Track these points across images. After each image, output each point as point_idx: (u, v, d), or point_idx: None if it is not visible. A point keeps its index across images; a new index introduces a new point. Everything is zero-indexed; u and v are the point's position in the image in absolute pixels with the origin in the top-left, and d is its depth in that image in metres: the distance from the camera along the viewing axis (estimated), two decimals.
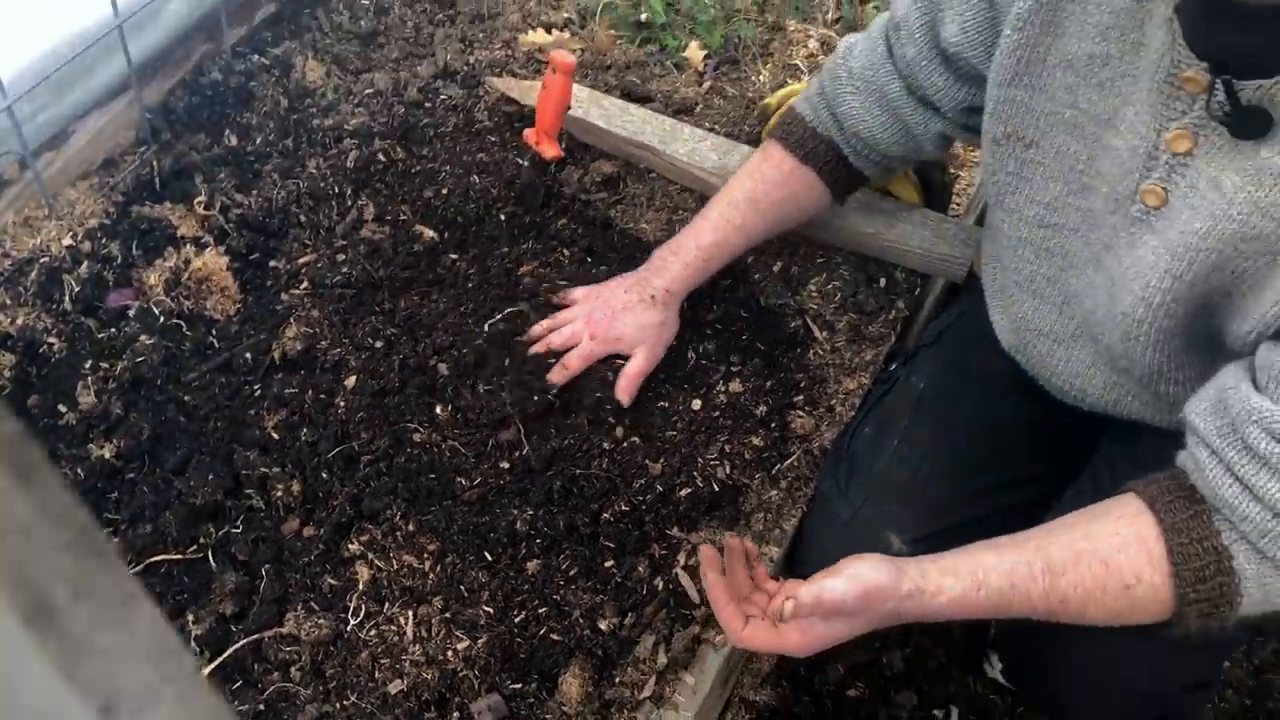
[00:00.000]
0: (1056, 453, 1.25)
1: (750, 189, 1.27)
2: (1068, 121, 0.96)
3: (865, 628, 0.92)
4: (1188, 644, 0.92)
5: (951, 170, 1.62)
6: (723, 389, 1.33)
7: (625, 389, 1.25)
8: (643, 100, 1.64)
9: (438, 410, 1.28)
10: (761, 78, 1.77)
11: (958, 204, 1.62)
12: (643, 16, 1.80)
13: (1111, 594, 0.86)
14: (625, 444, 1.26)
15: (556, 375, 1.25)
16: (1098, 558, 0.87)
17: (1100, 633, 0.96)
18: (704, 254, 1.27)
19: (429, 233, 1.47)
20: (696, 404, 1.31)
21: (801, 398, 1.35)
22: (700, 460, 1.27)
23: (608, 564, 1.19)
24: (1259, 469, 0.82)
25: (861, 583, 0.88)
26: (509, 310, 1.35)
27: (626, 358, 1.27)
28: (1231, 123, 0.81)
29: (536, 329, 1.30)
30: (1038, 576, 0.88)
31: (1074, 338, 1.11)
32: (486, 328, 1.34)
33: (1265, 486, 0.82)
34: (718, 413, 1.31)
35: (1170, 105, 0.86)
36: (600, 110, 1.56)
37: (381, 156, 1.54)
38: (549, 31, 1.74)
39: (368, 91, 1.65)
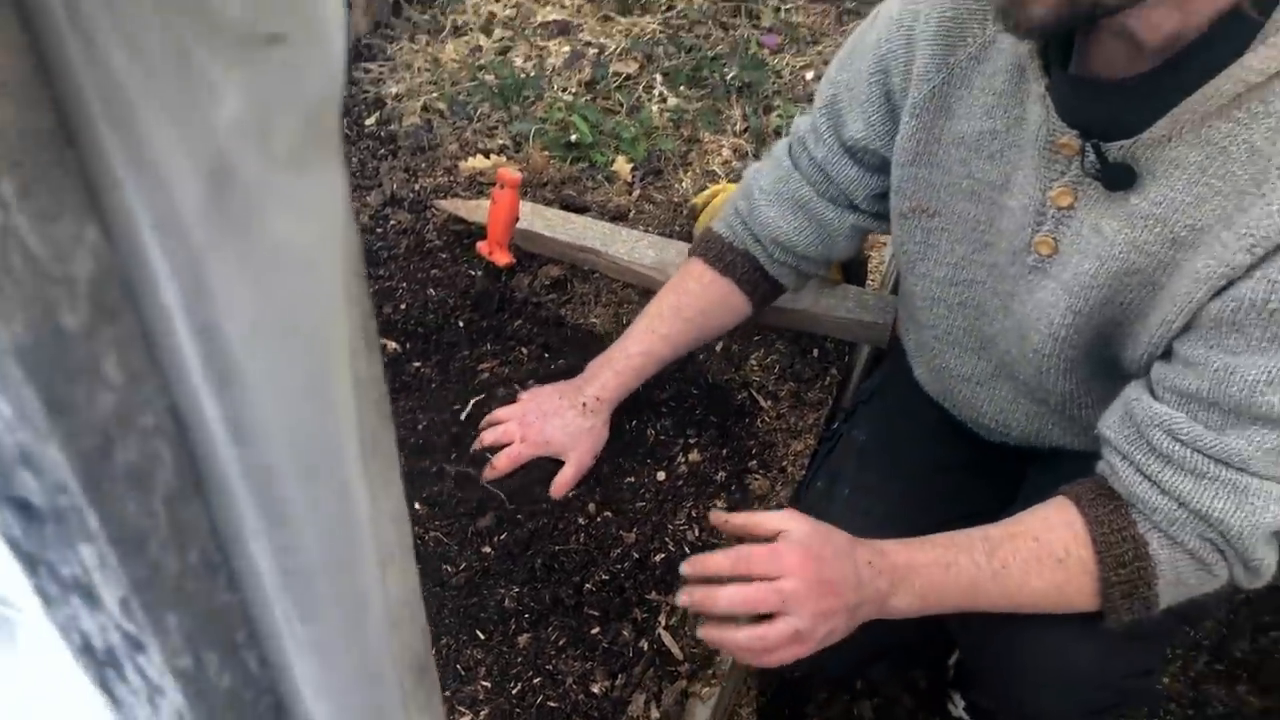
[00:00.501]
0: (994, 487, 1.37)
1: (674, 301, 1.37)
2: (966, 190, 1.11)
3: (851, 596, 0.97)
4: (1129, 634, 1.03)
5: (864, 251, 1.78)
6: (683, 460, 1.44)
7: (557, 494, 1.34)
8: (581, 210, 1.79)
9: (417, 506, 1.35)
10: (684, 183, 1.93)
11: (873, 279, 1.79)
12: (572, 138, 1.97)
13: (1048, 566, 0.98)
14: (599, 519, 1.35)
15: (487, 473, 1.33)
16: (1030, 535, 0.99)
17: (1051, 634, 1.06)
18: (633, 363, 1.35)
19: (392, 345, 1.56)
20: (661, 475, 1.41)
21: (755, 462, 1.46)
22: (670, 526, 1.36)
23: (594, 631, 1.26)
24: (1164, 466, 0.95)
25: (796, 514, 1.00)
26: (473, 402, 1.45)
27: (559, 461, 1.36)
28: (1103, 178, 0.96)
29: (482, 426, 1.39)
30: (977, 543, 0.99)
31: (993, 378, 1.24)
32: (452, 421, 1.43)
33: (1170, 480, 0.94)
34: (681, 481, 1.41)
35: (1051, 167, 1.01)
36: (544, 220, 1.70)
37: None
38: (487, 156, 1.89)
39: None
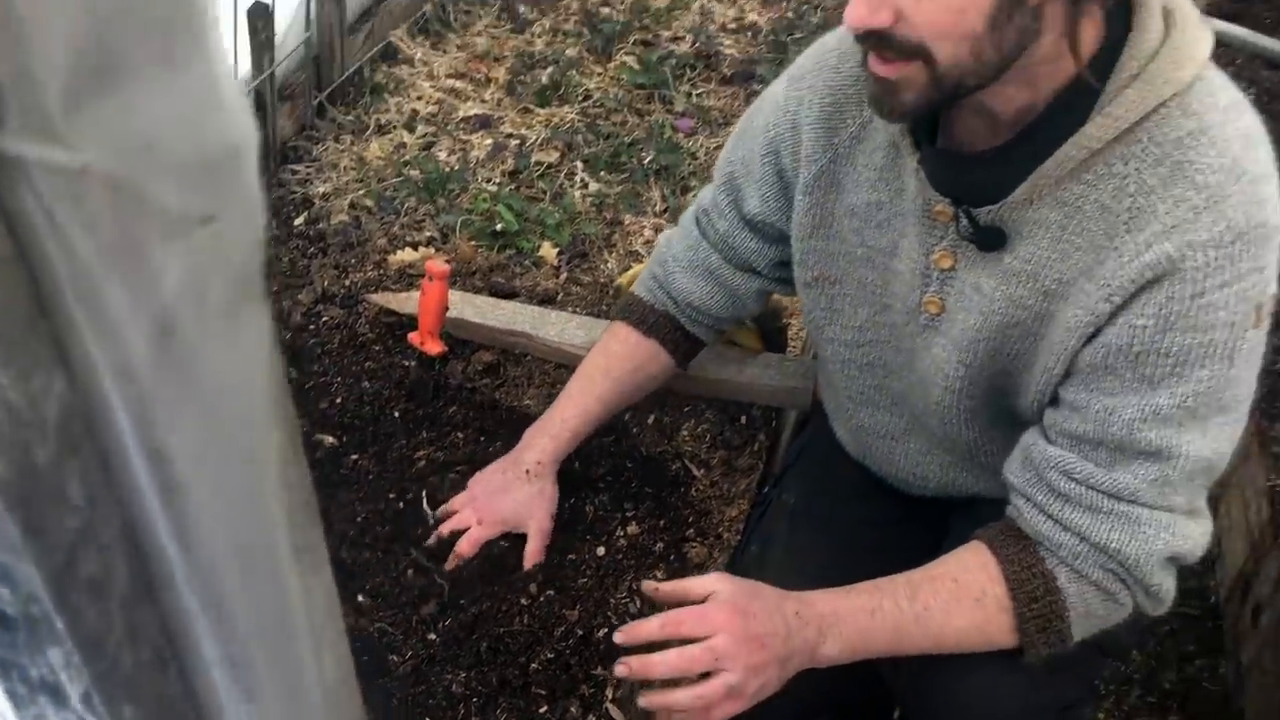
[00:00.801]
0: (919, 539, 1.42)
1: (604, 363, 1.43)
2: (861, 258, 1.19)
3: (781, 648, 1.01)
4: (1051, 668, 1.09)
5: (784, 318, 1.86)
6: (621, 533, 1.47)
7: (530, 565, 1.36)
8: (510, 295, 1.84)
9: (360, 598, 1.36)
10: (609, 264, 2.00)
11: (794, 345, 1.86)
12: (498, 227, 2.03)
13: (967, 605, 1.03)
14: (541, 598, 1.37)
15: (451, 563, 1.36)
16: (949, 577, 1.05)
17: (977, 675, 1.11)
18: (569, 426, 1.40)
19: (329, 439, 1.59)
20: (600, 550, 1.44)
21: (692, 530, 1.50)
22: (612, 601, 1.39)
23: (542, 710, 1.28)
24: (1063, 504, 1.02)
25: (723, 575, 1.05)
26: (411, 494, 1.48)
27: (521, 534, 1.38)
28: (976, 240, 1.04)
29: (440, 515, 1.41)
30: (900, 588, 1.04)
31: (907, 433, 1.31)
32: (391, 511, 1.45)
33: (1070, 517, 1.01)
34: (621, 555, 1.44)
35: (931, 233, 1.09)
36: (474, 308, 1.75)
37: None
38: (415, 249, 1.94)
39: None
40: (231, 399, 0.27)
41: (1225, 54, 2.75)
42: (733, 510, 1.53)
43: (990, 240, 1.03)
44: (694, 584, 1.07)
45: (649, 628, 1.05)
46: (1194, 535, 1.03)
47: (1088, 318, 0.98)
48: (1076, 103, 0.95)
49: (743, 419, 1.66)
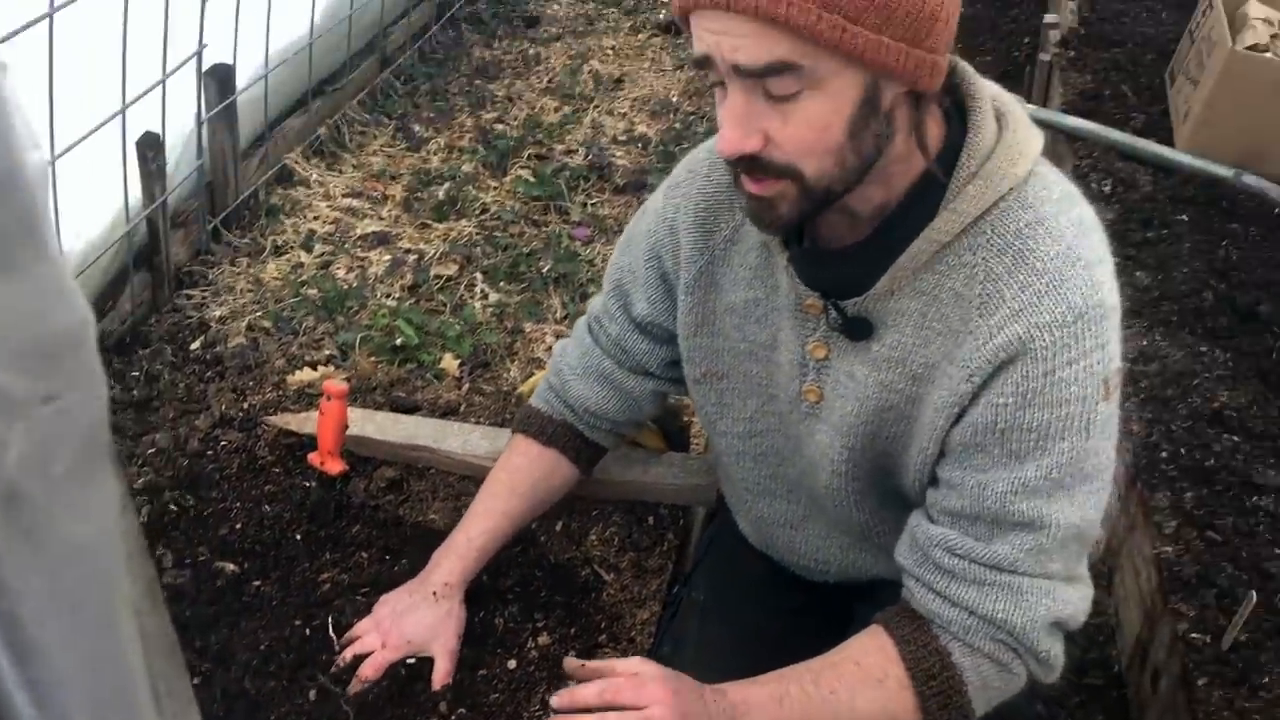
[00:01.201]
0: (826, 626, 1.45)
1: (507, 479, 1.44)
2: (744, 352, 1.24)
3: None
4: None
5: (685, 417, 1.90)
6: (533, 644, 1.46)
7: (438, 687, 1.34)
8: (411, 410, 1.85)
9: None
10: (511, 373, 2.03)
11: (696, 443, 1.90)
12: (398, 342, 2.04)
13: (870, 687, 1.06)
14: (452, 718, 1.35)
15: (354, 688, 1.33)
16: (851, 660, 1.08)
17: None
18: (475, 544, 1.40)
19: (230, 566, 1.55)
20: (512, 664, 1.43)
21: (605, 636, 1.49)
22: (525, 715, 1.37)
23: None
24: (949, 581, 1.06)
25: (646, 659, 1.06)
26: (317, 620, 1.45)
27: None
28: (846, 330, 1.10)
29: (343, 643, 1.39)
30: (805, 674, 1.08)
31: (805, 519, 1.35)
32: (296, 638, 1.42)
33: (957, 593, 1.06)
34: (533, 667, 1.43)
35: (805, 325, 1.15)
36: (374, 425, 1.75)
37: (173, 506, 1.64)
38: (314, 368, 1.93)
39: (150, 451, 1.76)
40: (81, 560, 0.28)
41: (1083, 147, 2.96)
42: (644, 612, 1.54)
43: (858, 330, 1.09)
44: (618, 663, 1.09)
45: (587, 694, 1.06)
46: (1074, 600, 1.08)
47: (953, 398, 1.04)
48: (925, 198, 1.03)
49: (650, 519, 1.68)
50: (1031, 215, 1.01)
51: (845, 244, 1.09)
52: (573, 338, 1.48)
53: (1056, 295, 0.99)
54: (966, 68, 1.06)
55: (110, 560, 0.29)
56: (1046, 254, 1.00)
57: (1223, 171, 2.78)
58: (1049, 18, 3.75)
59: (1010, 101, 1.07)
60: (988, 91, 1.05)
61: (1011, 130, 1.03)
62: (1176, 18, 3.62)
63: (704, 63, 0.94)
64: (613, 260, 1.41)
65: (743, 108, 0.93)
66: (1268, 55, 2.80)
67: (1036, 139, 1.06)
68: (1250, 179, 2.76)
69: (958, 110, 1.04)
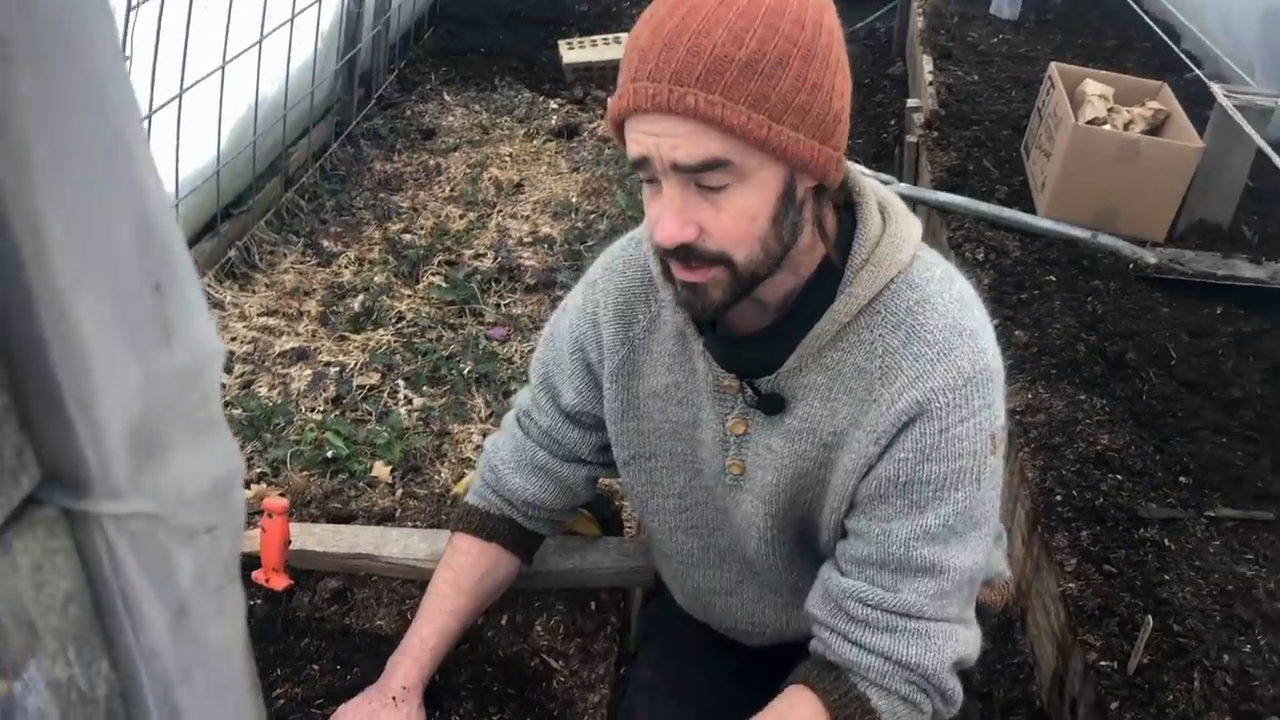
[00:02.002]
0: (768, 689, 1.53)
1: (451, 577, 1.49)
2: (669, 432, 1.34)
3: None
4: None
5: (617, 501, 1.99)
6: None
7: None
8: (348, 519, 1.88)
9: None
10: (443, 474, 2.09)
11: (630, 525, 1.98)
12: (328, 454, 2.08)
13: None
14: None
15: None
16: (776, 716, 1.16)
17: None
18: (428, 645, 1.43)
19: None
20: None
21: None
22: None
23: None
24: (863, 630, 1.17)
25: None
26: None
27: None
28: (761, 406, 1.21)
29: None
30: None
31: (738, 584, 1.44)
32: None
33: (871, 641, 1.16)
34: None
35: (724, 404, 1.26)
36: (314, 537, 1.78)
37: None
38: (248, 487, 1.96)
39: None
40: (229, 656, 0.36)
41: (954, 219, 3.20)
42: (595, 696, 1.60)
43: (772, 406, 1.21)
44: None
45: None
46: (971, 641, 1.20)
47: (861, 460, 1.16)
48: (824, 285, 1.15)
49: (592, 604, 1.74)
50: (919, 294, 1.15)
51: (754, 329, 1.21)
52: (502, 433, 1.55)
53: (947, 362, 1.12)
54: (851, 167, 1.20)
55: (244, 655, 0.37)
56: (935, 327, 1.14)
57: (1081, 233, 3.05)
58: (911, 102, 4.06)
59: (889, 196, 1.22)
60: (870, 187, 1.20)
61: (894, 221, 1.17)
62: (1025, 95, 3.97)
63: (641, 164, 1.04)
64: (537, 356, 1.50)
65: (679, 201, 1.03)
66: (1106, 127, 3.11)
67: (916, 227, 1.20)
68: (1105, 239, 3.03)
69: (846, 205, 1.18)
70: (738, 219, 1.04)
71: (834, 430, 1.18)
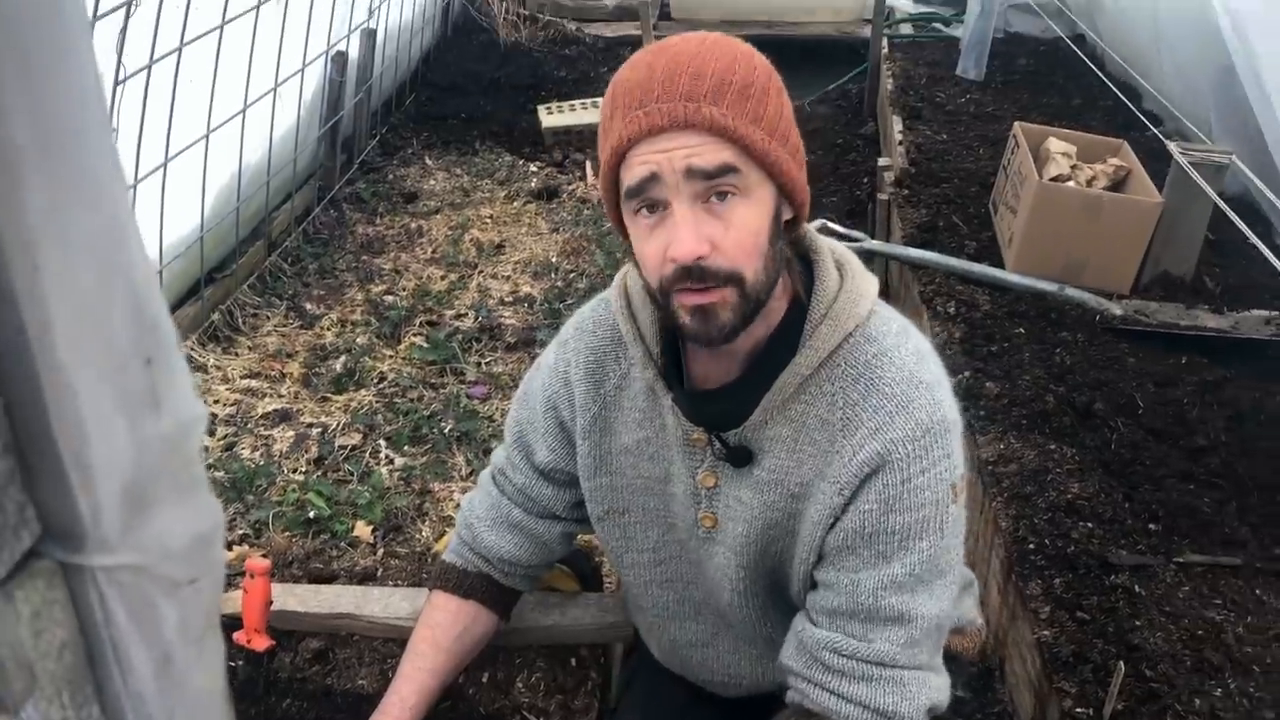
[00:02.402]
0: None
1: (430, 635, 1.50)
2: (641, 488, 1.37)
3: None
4: None
5: (596, 558, 2.01)
6: None
7: None
8: (330, 579, 1.90)
9: None
10: (424, 533, 2.10)
11: (609, 581, 2.00)
12: (310, 514, 2.10)
13: None
14: None
15: None
16: None
17: None
18: (408, 705, 1.44)
19: None
20: None
21: None
22: None
23: None
24: (840, 679, 1.19)
25: None
26: None
27: None
28: (730, 459, 1.25)
29: None
30: None
31: (715, 637, 1.46)
32: None
33: (850, 690, 1.18)
34: None
35: (694, 457, 1.29)
36: (295, 598, 1.79)
37: None
38: (230, 548, 1.97)
39: None
40: (210, 704, 0.39)
41: (925, 274, 3.28)
42: None
43: (741, 458, 1.24)
44: None
45: None
46: (942, 687, 1.23)
47: (826, 511, 1.19)
48: (785, 339, 1.20)
49: (573, 661, 1.76)
50: (876, 348, 1.20)
51: (721, 382, 1.25)
52: (478, 491, 1.58)
53: (906, 414, 1.17)
54: (808, 227, 1.25)
55: (224, 704, 0.40)
56: (893, 379, 1.18)
57: (1048, 287, 3.12)
58: (882, 160, 4.17)
59: (846, 253, 1.27)
60: (827, 245, 1.25)
61: (851, 277, 1.22)
62: (992, 153, 4.08)
63: (649, 183, 1.08)
64: (511, 414, 1.53)
65: (691, 217, 1.08)
66: (1070, 184, 3.20)
67: (873, 283, 1.25)
68: (1072, 291, 3.11)
69: (804, 263, 1.23)
70: (743, 232, 1.09)
71: (800, 481, 1.22)
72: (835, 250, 1.25)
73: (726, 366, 1.23)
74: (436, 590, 1.54)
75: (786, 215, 1.15)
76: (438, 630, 1.50)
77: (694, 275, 1.09)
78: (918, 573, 1.16)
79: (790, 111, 1.13)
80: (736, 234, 1.09)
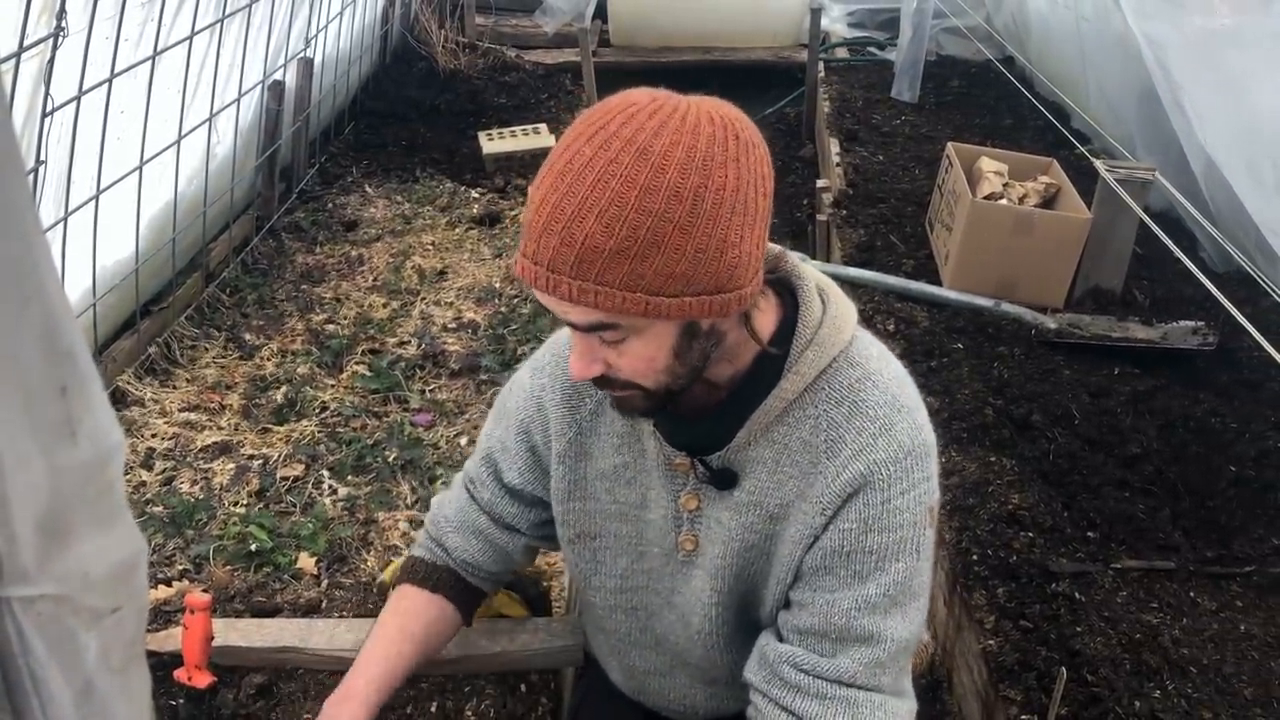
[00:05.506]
0: None
1: (399, 622, 1.48)
2: (615, 514, 1.36)
3: None
4: None
5: (544, 582, 2.00)
6: None
7: None
8: (273, 613, 1.86)
9: None
10: (369, 563, 2.08)
11: (558, 606, 1.99)
12: (252, 547, 2.06)
13: None
14: None
15: None
16: None
17: None
18: (373, 688, 1.40)
19: None
20: None
21: None
22: None
23: None
24: (795, 695, 1.19)
25: None
26: None
27: None
28: (714, 481, 1.25)
29: None
30: None
31: (671, 669, 1.46)
32: None
33: (802, 707, 1.19)
34: None
35: (675, 481, 1.29)
36: (237, 633, 1.76)
37: None
38: (170, 584, 1.93)
39: None
40: None
41: (865, 293, 3.33)
42: None
43: (725, 480, 1.25)
44: None
45: None
46: (902, 713, 1.23)
47: (806, 530, 1.20)
48: (770, 364, 1.21)
49: (522, 687, 1.75)
50: (859, 371, 1.22)
51: (705, 407, 1.25)
52: (452, 491, 1.57)
53: (888, 436, 1.19)
54: (791, 255, 1.26)
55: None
56: (876, 402, 1.20)
57: (984, 302, 3.19)
58: (821, 182, 4.24)
59: (826, 280, 1.29)
60: (810, 273, 1.26)
61: (834, 304, 1.24)
62: (927, 173, 4.17)
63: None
64: (485, 429, 1.52)
65: (582, 345, 1.11)
66: (1002, 202, 3.28)
67: (853, 310, 1.27)
68: (1008, 306, 3.18)
69: (789, 290, 1.24)
70: (637, 361, 1.10)
71: (780, 502, 1.23)
72: (816, 278, 1.27)
73: (710, 393, 1.23)
74: (405, 584, 1.52)
75: (716, 319, 1.11)
76: (405, 617, 1.48)
77: (594, 382, 1.14)
78: (892, 594, 1.18)
79: (714, 229, 1.01)
80: (630, 361, 1.11)
